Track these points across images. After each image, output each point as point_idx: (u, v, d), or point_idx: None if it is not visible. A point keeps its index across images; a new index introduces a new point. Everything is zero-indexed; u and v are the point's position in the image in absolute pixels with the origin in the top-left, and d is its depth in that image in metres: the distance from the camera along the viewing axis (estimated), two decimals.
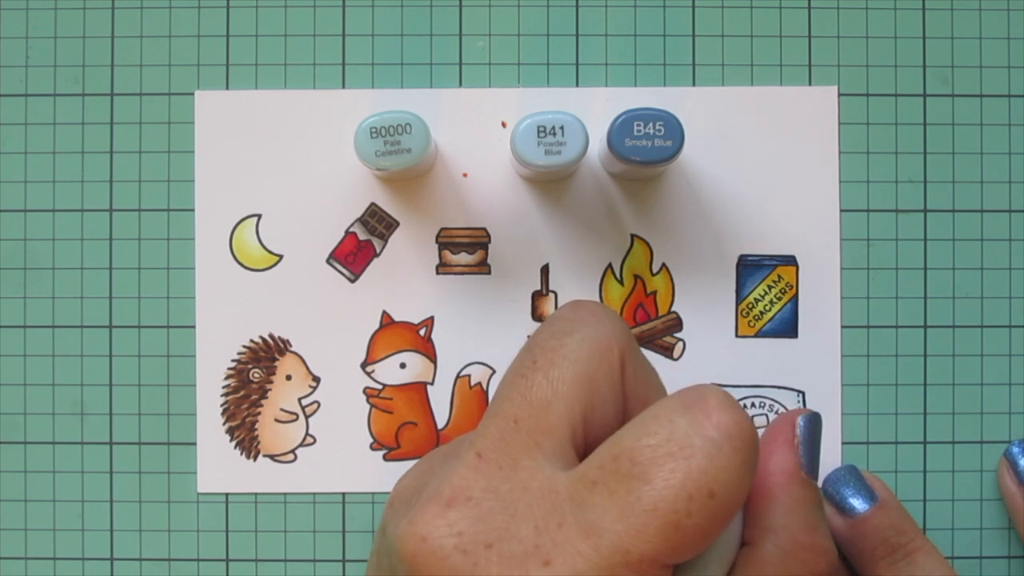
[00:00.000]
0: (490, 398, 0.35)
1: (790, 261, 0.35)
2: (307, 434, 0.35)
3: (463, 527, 0.22)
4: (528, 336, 0.34)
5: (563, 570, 0.21)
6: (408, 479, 0.27)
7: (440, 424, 0.35)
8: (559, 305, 0.34)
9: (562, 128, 0.31)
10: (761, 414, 0.35)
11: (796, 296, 0.35)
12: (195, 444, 0.35)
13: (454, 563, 0.22)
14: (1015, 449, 0.34)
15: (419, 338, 0.35)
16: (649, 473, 0.22)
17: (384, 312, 0.35)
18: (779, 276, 0.35)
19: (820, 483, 0.34)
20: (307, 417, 0.35)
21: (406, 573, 0.23)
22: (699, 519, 0.21)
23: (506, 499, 0.23)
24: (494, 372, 0.35)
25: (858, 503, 0.33)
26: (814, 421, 0.27)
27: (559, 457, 0.24)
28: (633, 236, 0.35)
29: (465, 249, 0.35)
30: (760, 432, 0.31)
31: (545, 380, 0.24)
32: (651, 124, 0.31)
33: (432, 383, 0.35)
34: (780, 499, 0.25)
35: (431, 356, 0.35)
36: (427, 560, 0.22)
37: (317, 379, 0.35)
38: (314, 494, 0.35)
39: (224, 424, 0.35)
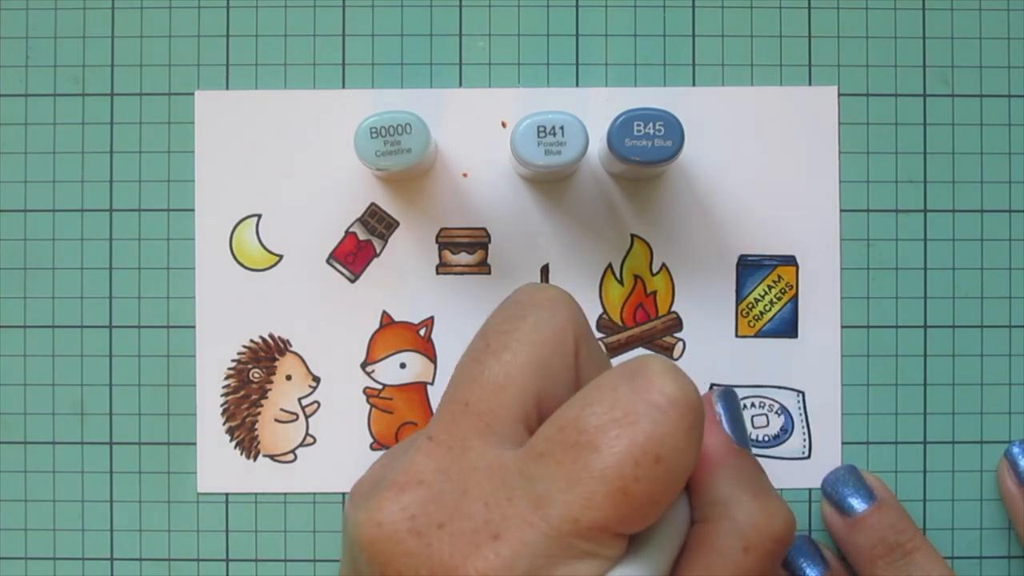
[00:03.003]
0: None
1: (790, 261, 0.35)
2: (307, 434, 0.35)
3: (415, 510, 0.22)
4: None
5: (512, 542, 0.21)
6: (368, 474, 0.27)
7: None
8: None
9: (562, 128, 0.31)
10: (761, 414, 0.35)
11: (796, 296, 0.35)
12: (195, 444, 0.35)
13: (408, 546, 0.22)
14: (1015, 449, 0.34)
15: (419, 338, 0.35)
16: (595, 441, 0.22)
17: (384, 312, 0.35)
18: (779, 276, 0.35)
19: (819, 483, 0.35)
20: (307, 417, 0.35)
21: (366, 561, 0.23)
22: (646, 484, 0.21)
23: (456, 479, 0.23)
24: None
25: (857, 503, 0.33)
26: (729, 396, 0.27)
27: (511, 438, 0.24)
28: (633, 236, 0.35)
29: (465, 249, 0.35)
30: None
31: (497, 363, 0.24)
32: (651, 124, 0.31)
33: (432, 383, 0.35)
34: (720, 472, 0.25)
35: (431, 356, 0.35)
36: (383, 545, 0.22)
37: (317, 379, 0.35)
38: (314, 494, 0.35)
39: (224, 424, 0.35)
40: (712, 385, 0.35)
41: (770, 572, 0.24)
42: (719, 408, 0.26)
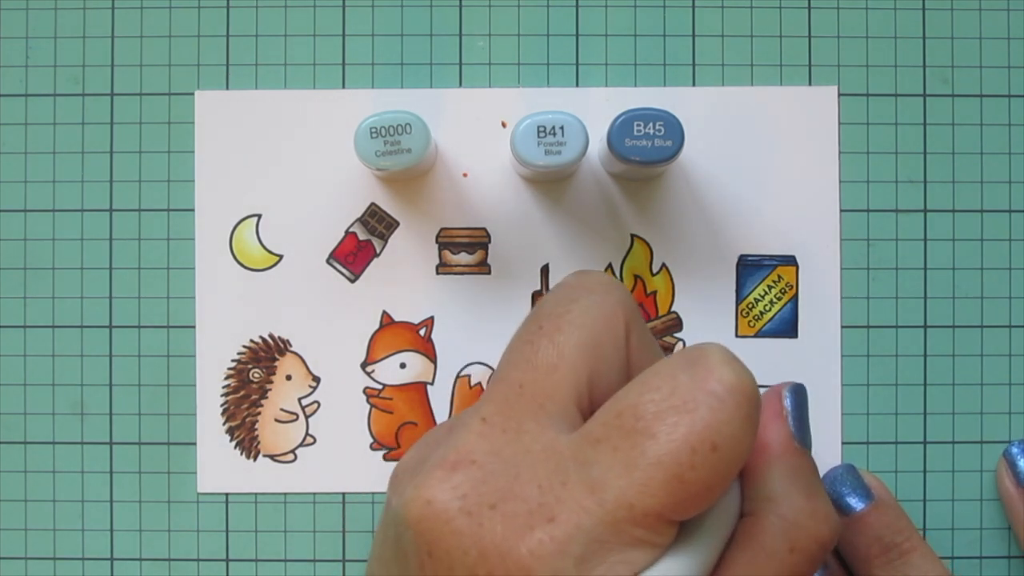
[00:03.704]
0: None
1: (790, 261, 0.35)
2: (307, 434, 0.35)
3: (467, 489, 0.22)
4: None
5: (567, 526, 0.21)
6: (411, 453, 0.27)
7: None
8: None
9: (562, 128, 0.31)
10: None
11: (796, 296, 0.35)
12: (195, 444, 0.35)
13: (458, 525, 0.22)
14: (1014, 450, 0.34)
15: (419, 338, 0.35)
16: (652, 428, 0.22)
17: (384, 312, 0.35)
18: (779, 276, 0.35)
19: None
20: (307, 417, 0.35)
21: (412, 539, 0.22)
22: (702, 472, 0.21)
23: (510, 461, 0.23)
24: (494, 372, 0.35)
25: (854, 502, 0.33)
26: (799, 392, 0.27)
27: (564, 420, 0.24)
28: (633, 236, 0.35)
29: (465, 249, 0.35)
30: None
31: (551, 345, 0.24)
32: (651, 124, 0.31)
33: (432, 383, 0.35)
34: (777, 469, 0.25)
35: (431, 356, 0.35)
36: (432, 524, 0.22)
37: (317, 379, 0.35)
38: (314, 494, 0.35)
39: (224, 424, 0.35)
40: None
41: (809, 573, 0.24)
42: (787, 403, 0.26)
